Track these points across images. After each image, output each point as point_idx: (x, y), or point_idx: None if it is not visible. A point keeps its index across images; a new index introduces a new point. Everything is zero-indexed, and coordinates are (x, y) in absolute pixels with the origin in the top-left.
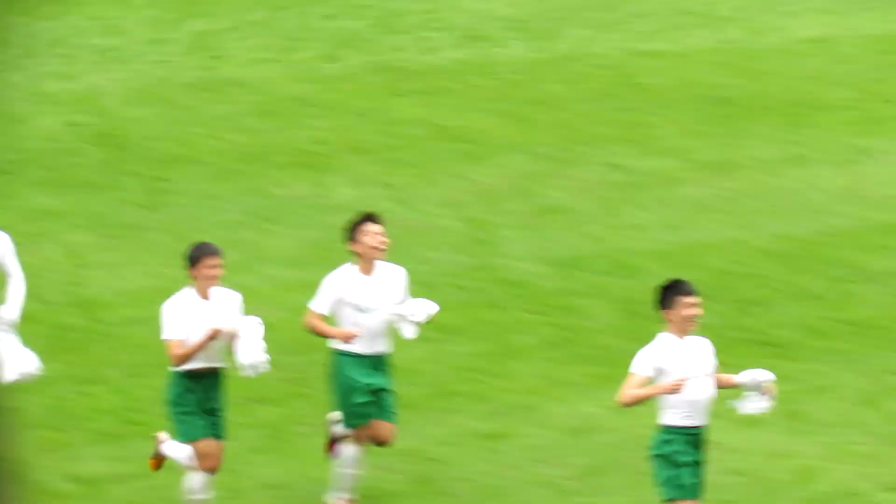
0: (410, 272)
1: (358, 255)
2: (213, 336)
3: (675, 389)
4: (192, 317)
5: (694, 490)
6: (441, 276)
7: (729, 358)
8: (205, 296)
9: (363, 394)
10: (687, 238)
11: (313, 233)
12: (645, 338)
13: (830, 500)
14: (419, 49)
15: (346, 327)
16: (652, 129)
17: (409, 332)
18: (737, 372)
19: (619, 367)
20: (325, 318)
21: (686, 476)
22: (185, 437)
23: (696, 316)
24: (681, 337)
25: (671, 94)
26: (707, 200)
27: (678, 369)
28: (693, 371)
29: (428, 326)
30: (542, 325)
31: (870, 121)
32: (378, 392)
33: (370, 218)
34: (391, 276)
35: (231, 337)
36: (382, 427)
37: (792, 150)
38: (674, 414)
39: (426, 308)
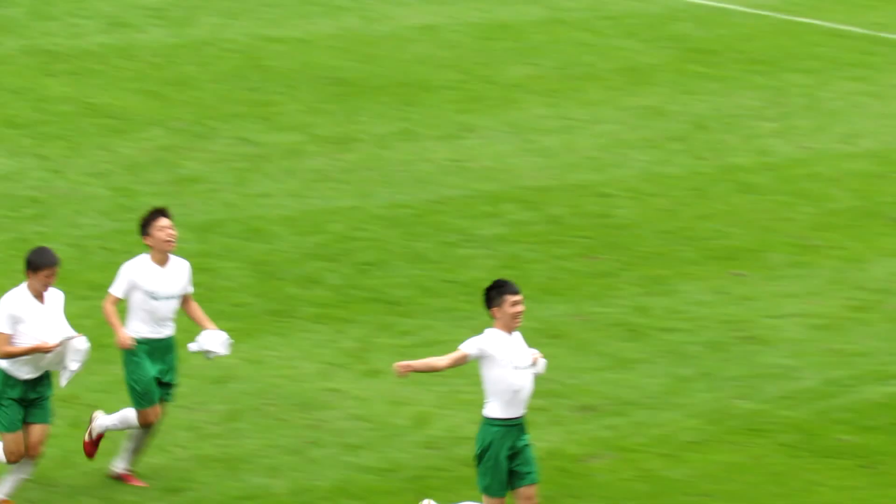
0: (63, 236)
1: (151, 247)
2: (42, 349)
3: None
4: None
5: (522, 478)
6: (91, 239)
7: (351, 314)
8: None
9: (150, 378)
10: (310, 205)
11: None
12: (276, 296)
13: (444, 443)
14: (68, 34)
15: (126, 335)
16: (277, 106)
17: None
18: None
19: (252, 322)
20: (120, 302)
21: (503, 472)
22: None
23: (521, 313)
24: (508, 332)
25: (294, 76)
26: (328, 171)
27: (507, 359)
28: (519, 362)
29: (80, 285)
30: None
31: (472, 99)
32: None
33: (161, 213)
34: (179, 268)
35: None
36: (154, 411)
37: (403, 125)
38: (496, 405)
39: (219, 341)
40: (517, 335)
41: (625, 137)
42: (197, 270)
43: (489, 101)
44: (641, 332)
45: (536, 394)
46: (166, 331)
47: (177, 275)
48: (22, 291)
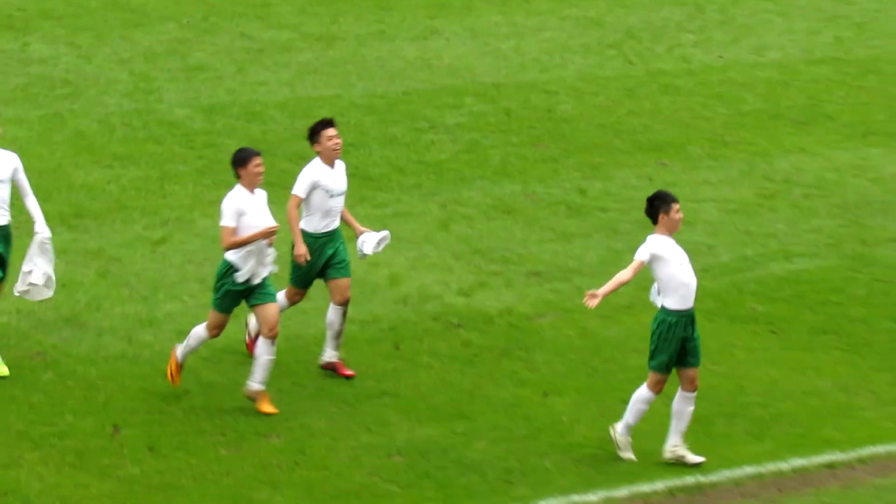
0: (91, 113)
1: (319, 153)
2: (267, 233)
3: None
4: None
5: (688, 364)
6: (115, 116)
7: None
8: None
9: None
10: (300, 93)
11: (18, 79)
12: (271, 170)
13: (413, 299)
14: None
15: (303, 250)
16: (273, 7)
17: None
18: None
19: None
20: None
21: (674, 354)
22: None
23: (681, 219)
24: (670, 235)
25: None
26: (315, 65)
27: (675, 258)
28: (684, 260)
29: (106, 156)
30: (192, 158)
31: (438, 7)
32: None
33: (328, 123)
34: (342, 168)
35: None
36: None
37: (379, 27)
38: (672, 299)
39: (378, 239)
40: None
41: (567, 43)
42: (203, 146)
43: (452, 8)
44: (581, 211)
45: (492, 260)
46: (336, 223)
47: (343, 174)
48: (238, 189)
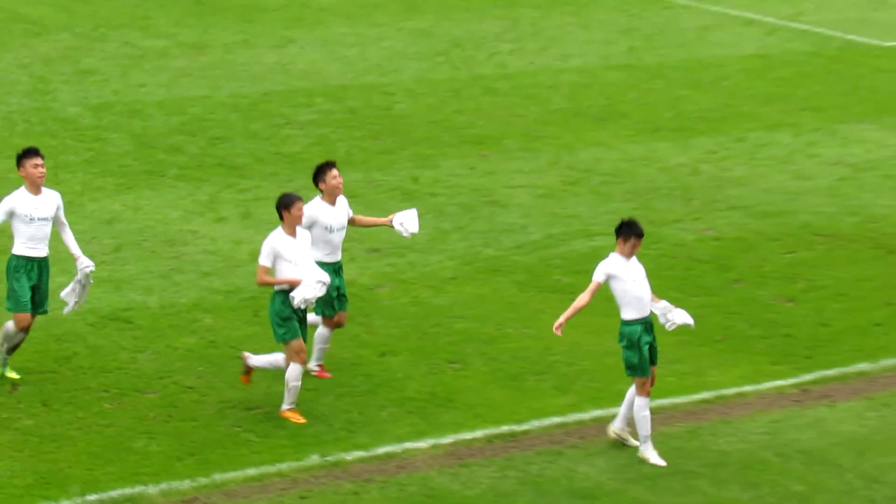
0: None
1: (322, 191)
2: (293, 283)
3: None
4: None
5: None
6: (17, 114)
7: (205, 175)
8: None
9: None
10: (175, 94)
11: None
12: (150, 160)
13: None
14: None
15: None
16: (152, 19)
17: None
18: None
19: (133, 178)
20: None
21: (646, 358)
22: None
23: (638, 248)
24: (628, 259)
25: None
26: (187, 69)
27: (629, 276)
28: (636, 276)
29: (9, 148)
30: (82, 150)
31: (294, 19)
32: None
33: (332, 164)
34: (344, 203)
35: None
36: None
37: (243, 37)
38: (629, 310)
39: (413, 217)
40: (633, 259)
41: (403, 51)
42: (92, 140)
43: (306, 21)
44: (414, 196)
45: None
46: (338, 255)
47: (344, 209)
48: (279, 232)
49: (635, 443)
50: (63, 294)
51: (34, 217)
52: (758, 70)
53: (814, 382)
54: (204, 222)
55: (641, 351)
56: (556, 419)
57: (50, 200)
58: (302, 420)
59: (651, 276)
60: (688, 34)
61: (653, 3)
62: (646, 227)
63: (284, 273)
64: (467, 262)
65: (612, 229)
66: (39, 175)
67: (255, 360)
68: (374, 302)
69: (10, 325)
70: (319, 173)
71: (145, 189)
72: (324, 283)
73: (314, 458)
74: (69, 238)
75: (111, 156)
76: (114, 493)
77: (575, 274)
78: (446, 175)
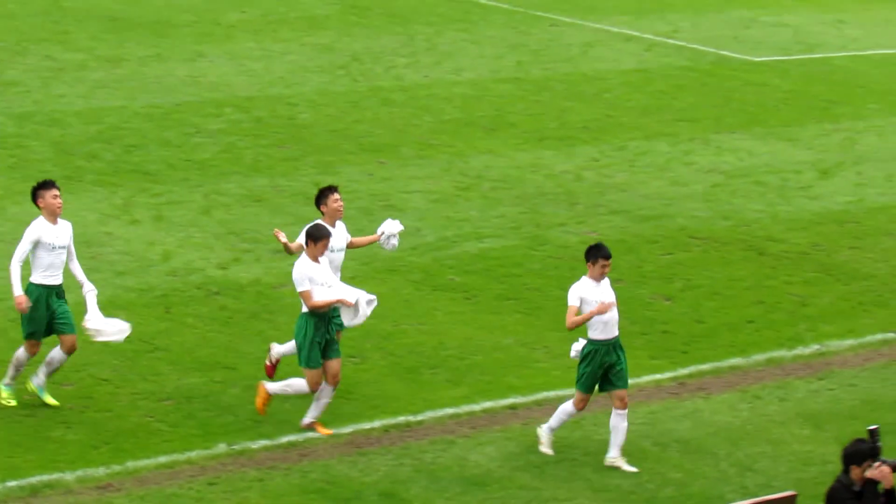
0: None
1: (324, 214)
2: (345, 303)
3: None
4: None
5: (615, 385)
6: None
7: (120, 181)
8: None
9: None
10: (93, 104)
11: None
12: (69, 166)
13: (182, 272)
14: None
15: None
16: (71, 34)
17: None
18: None
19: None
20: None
21: (596, 377)
22: None
23: (607, 271)
24: (597, 282)
25: (83, 14)
26: (105, 81)
27: (597, 300)
28: (606, 300)
29: None
30: (4, 156)
31: (204, 35)
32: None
33: (334, 189)
34: (342, 227)
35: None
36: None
37: (156, 51)
38: (594, 331)
39: (395, 224)
40: (605, 282)
41: (306, 65)
42: (13, 147)
43: (215, 36)
44: None
45: (245, 240)
46: (338, 275)
47: (342, 231)
48: (305, 259)
49: (631, 468)
50: (88, 326)
51: (55, 245)
52: (637, 83)
53: (690, 376)
54: (119, 225)
55: (593, 366)
56: (449, 410)
57: (66, 229)
58: (328, 432)
59: (538, 275)
60: (572, 49)
61: (539, 20)
62: (533, 230)
63: (322, 296)
64: (365, 262)
65: (501, 232)
66: (59, 205)
67: (274, 386)
68: (278, 300)
69: (21, 351)
70: (322, 196)
71: (65, 193)
72: (374, 301)
73: (222, 447)
74: (75, 266)
75: (32, 162)
76: (33, 480)
77: (467, 274)
78: (346, 181)
